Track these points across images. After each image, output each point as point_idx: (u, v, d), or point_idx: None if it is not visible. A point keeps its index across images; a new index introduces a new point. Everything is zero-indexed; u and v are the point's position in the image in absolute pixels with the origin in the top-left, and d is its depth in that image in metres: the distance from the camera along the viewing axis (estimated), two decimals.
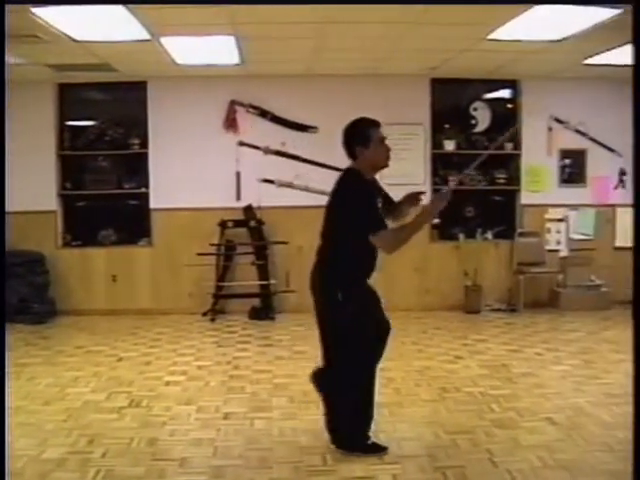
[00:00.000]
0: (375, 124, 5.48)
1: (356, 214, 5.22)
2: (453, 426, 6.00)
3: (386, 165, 5.58)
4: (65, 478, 4.97)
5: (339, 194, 5.40)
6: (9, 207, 10.61)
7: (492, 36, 8.44)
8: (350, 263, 5.34)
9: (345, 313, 5.25)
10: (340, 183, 5.43)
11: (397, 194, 11.18)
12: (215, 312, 10.97)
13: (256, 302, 11.05)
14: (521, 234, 11.64)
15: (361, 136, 5.41)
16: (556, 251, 11.70)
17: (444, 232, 11.75)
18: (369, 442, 5.42)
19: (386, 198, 5.74)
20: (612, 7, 7.00)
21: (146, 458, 5.33)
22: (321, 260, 5.43)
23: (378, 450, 5.38)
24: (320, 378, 5.61)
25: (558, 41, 8.63)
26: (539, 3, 7.00)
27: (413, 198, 5.88)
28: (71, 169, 11.58)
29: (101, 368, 8.11)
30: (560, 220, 11.69)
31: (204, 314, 10.98)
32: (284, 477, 5.00)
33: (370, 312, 5.48)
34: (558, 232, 11.72)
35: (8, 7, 4.85)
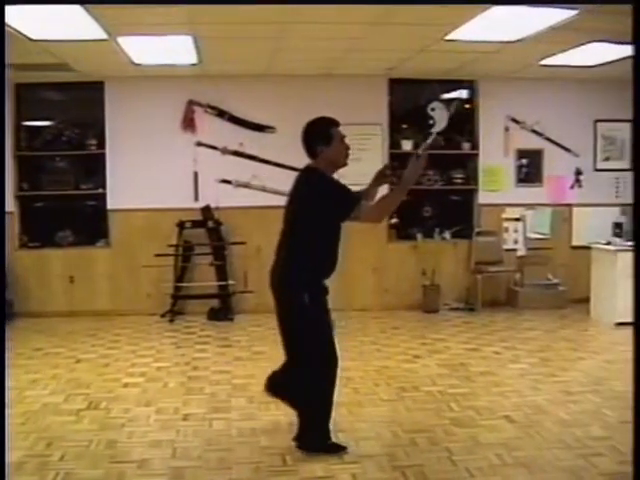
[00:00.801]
0: (335, 123, 5.58)
1: (332, 204, 5.36)
2: (412, 425, 6.04)
3: (345, 164, 5.62)
4: None
5: (305, 193, 5.43)
6: None
7: (450, 37, 8.49)
8: (315, 263, 5.38)
9: (310, 315, 5.30)
10: (305, 182, 5.48)
11: None
12: (174, 313, 10.93)
13: (215, 303, 11.03)
14: (479, 233, 11.72)
15: (322, 135, 5.48)
16: (514, 250, 11.79)
17: (402, 232, 11.79)
18: (330, 442, 5.45)
19: None
20: (568, 8, 7.06)
21: (105, 460, 5.30)
22: (284, 260, 5.43)
23: (339, 450, 5.40)
24: (275, 384, 5.72)
25: (515, 42, 8.70)
26: (508, 4, 7.06)
27: (381, 175, 6.08)
28: (28, 170, 11.47)
29: (59, 370, 8.05)
30: (517, 219, 11.79)
31: (163, 315, 10.94)
32: (244, 478, 5.00)
33: (329, 313, 5.48)
34: (515, 231, 11.81)
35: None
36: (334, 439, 5.49)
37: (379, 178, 5.98)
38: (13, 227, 11.27)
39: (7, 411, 4.62)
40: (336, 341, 5.45)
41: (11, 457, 5.31)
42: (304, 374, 5.40)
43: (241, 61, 10.13)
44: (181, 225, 10.84)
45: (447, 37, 8.52)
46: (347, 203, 5.39)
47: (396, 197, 5.65)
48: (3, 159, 10.13)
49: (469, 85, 11.87)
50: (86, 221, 11.79)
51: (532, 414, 6.29)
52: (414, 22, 7.87)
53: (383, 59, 10.06)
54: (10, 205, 11.17)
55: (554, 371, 7.79)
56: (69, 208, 11.75)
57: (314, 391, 5.42)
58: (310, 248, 5.35)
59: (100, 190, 11.35)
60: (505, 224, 11.81)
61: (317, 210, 5.32)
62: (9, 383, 7.43)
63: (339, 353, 5.46)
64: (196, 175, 11.07)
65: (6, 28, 7.66)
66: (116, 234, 11.33)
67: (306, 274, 5.35)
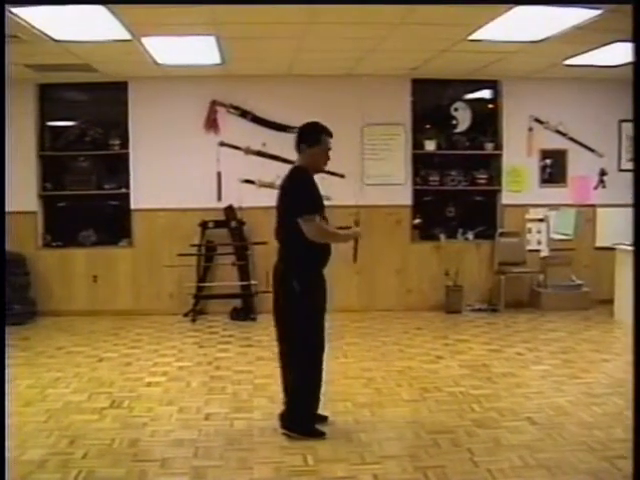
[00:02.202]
0: (328, 133, 5.91)
1: (288, 200, 5.65)
2: (434, 426, 6.01)
3: (322, 170, 5.93)
4: (46, 479, 4.95)
5: (286, 188, 5.75)
6: None
7: (473, 37, 8.46)
8: (301, 253, 5.61)
9: (298, 301, 5.58)
10: (287, 178, 5.80)
11: (378, 194, 11.24)
12: (196, 313, 10.96)
13: (237, 303, 11.04)
14: (502, 234, 11.67)
15: (312, 136, 5.83)
16: (537, 251, 11.73)
17: (425, 232, 11.76)
18: (312, 427, 5.69)
19: None
20: (593, 8, 7.03)
21: (127, 459, 5.32)
22: (278, 251, 5.82)
23: (318, 435, 5.64)
24: None
25: (538, 42, 8.66)
26: (526, 4, 7.03)
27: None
28: (51, 170, 11.54)
29: (82, 369, 8.08)
30: (540, 220, 11.73)
31: (185, 315, 10.97)
32: (265, 477, 4.99)
33: (320, 302, 5.74)
34: (539, 232, 11.75)
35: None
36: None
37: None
38: (37, 226, 11.34)
39: (7, 411, 4.62)
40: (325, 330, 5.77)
41: (33, 455, 5.38)
42: (291, 359, 5.74)
43: (264, 61, 10.14)
44: (204, 225, 10.85)
45: (471, 37, 8.49)
46: (298, 207, 5.58)
47: (340, 238, 5.93)
48: (3, 159, 10.18)
49: (492, 85, 11.82)
50: (109, 221, 11.84)
51: (554, 416, 6.25)
52: (437, 22, 7.85)
53: (406, 59, 10.03)
54: (34, 205, 11.25)
55: (577, 373, 7.75)
56: (92, 208, 11.80)
57: (299, 376, 5.70)
58: (295, 239, 5.58)
59: (123, 190, 11.39)
60: (528, 225, 11.75)
61: None
62: (28, 382, 7.52)
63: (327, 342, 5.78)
64: (219, 175, 11.08)
65: (31, 30, 7.72)
66: (139, 234, 11.36)
67: (294, 263, 5.66)
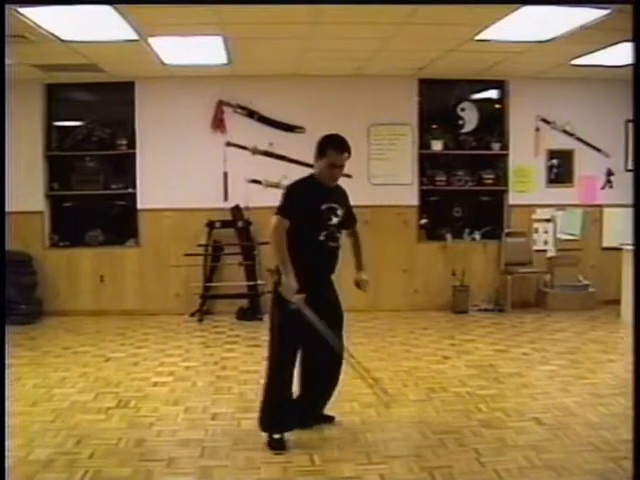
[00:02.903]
0: (337, 148, 5.66)
1: (281, 200, 5.66)
2: (440, 426, 6.01)
3: (327, 184, 5.75)
4: (52, 479, 4.97)
5: None
6: None
7: (480, 37, 8.46)
8: (296, 262, 5.54)
9: (279, 309, 5.63)
10: None
11: (384, 195, 11.23)
12: (203, 313, 10.97)
13: (244, 303, 11.04)
14: (509, 234, 11.66)
15: (320, 149, 5.71)
16: (543, 251, 11.72)
17: (431, 232, 11.75)
18: (274, 436, 5.59)
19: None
20: (600, 8, 7.02)
21: (134, 459, 5.33)
22: None
23: (276, 446, 5.52)
24: None
25: (545, 42, 8.65)
26: (532, 4, 7.02)
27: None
28: (58, 170, 11.56)
29: (88, 369, 8.09)
30: (547, 220, 11.71)
31: (192, 315, 10.98)
32: (272, 477, 5.00)
33: (299, 318, 5.51)
34: (545, 232, 11.74)
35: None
36: (363, 439, 5.56)
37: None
38: (44, 226, 11.36)
39: (7, 411, 4.62)
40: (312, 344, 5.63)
41: (40, 454, 5.39)
42: (268, 363, 5.72)
43: (270, 61, 10.14)
44: (211, 225, 10.86)
45: (477, 37, 8.49)
46: (278, 206, 5.63)
47: (280, 262, 5.70)
48: (3, 159, 10.18)
49: (499, 85, 11.80)
50: (116, 221, 11.84)
51: (561, 416, 6.25)
52: (444, 22, 7.85)
53: (413, 59, 10.03)
54: (41, 205, 11.28)
55: (583, 373, 7.73)
56: (99, 208, 11.82)
57: (268, 380, 5.68)
58: (294, 248, 5.56)
59: (130, 190, 11.41)
60: (535, 225, 11.74)
61: None
62: (35, 381, 7.53)
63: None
64: (226, 175, 11.08)
65: (38, 30, 7.74)
66: (146, 234, 11.37)
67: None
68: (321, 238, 5.59)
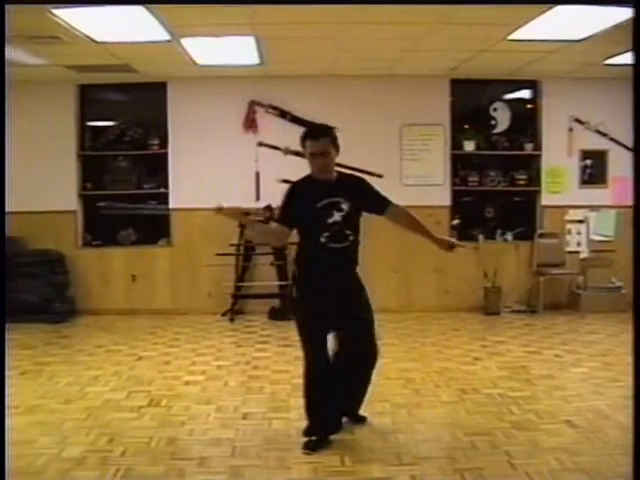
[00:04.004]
0: (312, 136, 5.72)
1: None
2: (472, 427, 5.98)
3: (319, 177, 5.69)
4: (85, 476, 4.99)
5: None
6: (31, 207, 10.75)
7: (512, 36, 8.41)
8: (300, 261, 5.60)
9: (296, 308, 5.68)
10: None
11: (416, 195, 11.20)
12: (234, 312, 10.99)
13: (275, 302, 11.06)
14: (541, 235, 11.59)
15: (301, 143, 5.79)
16: (576, 253, 11.64)
17: (464, 233, 11.69)
18: (310, 437, 5.57)
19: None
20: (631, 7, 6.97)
21: (165, 457, 5.35)
22: None
23: (308, 447, 5.50)
24: None
25: (579, 41, 8.60)
26: (555, 3, 6.98)
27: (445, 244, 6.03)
28: (91, 169, 11.64)
29: (120, 367, 8.15)
30: (580, 221, 11.63)
31: (223, 314, 11.01)
32: (302, 478, 5.01)
33: (313, 313, 5.55)
34: (578, 233, 11.66)
35: (9, 7, 4.84)
36: (393, 440, 5.56)
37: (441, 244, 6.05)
38: (77, 226, 11.44)
39: (7, 411, 4.64)
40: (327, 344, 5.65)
41: (73, 452, 5.42)
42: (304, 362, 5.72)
43: (303, 61, 10.15)
44: (242, 225, 10.87)
45: (510, 37, 8.45)
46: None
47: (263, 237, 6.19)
48: (3, 159, 10.25)
49: (532, 85, 11.74)
50: (148, 220, 11.90)
51: (593, 419, 6.19)
52: (476, 22, 7.82)
53: (445, 59, 10.00)
54: (74, 204, 11.35)
55: (616, 375, 7.66)
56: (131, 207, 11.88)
57: (304, 382, 5.70)
58: (299, 247, 5.64)
59: (162, 189, 11.47)
60: (568, 226, 11.67)
61: None
62: (68, 379, 7.58)
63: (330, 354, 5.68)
64: (258, 175, 11.10)
65: (72, 31, 7.79)
66: (177, 233, 11.42)
67: (296, 269, 5.63)
68: (322, 240, 5.44)
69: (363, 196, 5.70)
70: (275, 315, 10.89)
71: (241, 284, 11.12)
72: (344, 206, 5.51)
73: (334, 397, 5.62)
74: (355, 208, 5.59)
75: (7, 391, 4.78)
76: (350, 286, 5.68)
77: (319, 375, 5.61)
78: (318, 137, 5.61)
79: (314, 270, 5.55)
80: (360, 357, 5.71)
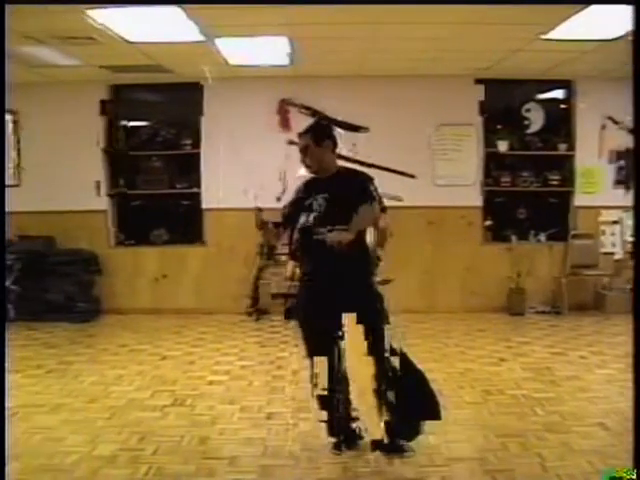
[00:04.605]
0: (299, 135, 5.80)
1: None
2: (502, 429, 5.95)
3: (311, 173, 5.76)
4: (116, 474, 5.03)
5: None
6: (64, 206, 10.83)
7: (546, 36, 8.36)
8: (300, 259, 5.64)
9: (297, 302, 5.72)
10: None
11: (449, 196, 11.14)
12: (260, 312, 11.01)
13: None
14: (575, 236, 11.51)
15: None
16: (611, 254, 11.54)
17: (496, 234, 11.64)
18: (332, 438, 5.49)
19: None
20: None
21: (196, 456, 5.37)
22: None
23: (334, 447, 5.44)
24: None
25: (613, 40, 8.53)
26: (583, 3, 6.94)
27: None
28: (124, 169, 11.69)
29: (145, 367, 8.20)
30: (614, 222, 11.54)
31: (249, 314, 11.02)
32: (333, 477, 5.01)
33: (306, 311, 5.50)
34: (613, 234, 11.56)
35: (11, 7, 4.87)
36: (424, 441, 5.49)
37: None
38: (109, 225, 11.51)
39: (7, 412, 4.67)
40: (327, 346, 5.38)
41: (104, 450, 5.45)
42: None
43: (335, 61, 10.14)
44: (276, 225, 10.87)
45: (544, 36, 8.39)
46: None
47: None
48: (4, 159, 10.35)
49: (565, 85, 11.66)
50: (180, 220, 11.96)
51: (624, 421, 6.13)
52: (510, 21, 7.78)
53: (478, 59, 9.96)
54: (107, 203, 11.41)
55: None
56: (164, 207, 11.95)
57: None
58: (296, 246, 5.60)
59: (195, 189, 11.51)
60: (602, 227, 11.58)
61: None
62: (93, 378, 7.63)
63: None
64: (284, 174, 11.06)
65: (106, 31, 7.83)
66: (210, 233, 11.45)
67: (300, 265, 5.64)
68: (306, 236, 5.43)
69: (350, 191, 5.39)
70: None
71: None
72: (321, 201, 5.38)
73: (341, 399, 5.43)
74: (339, 202, 5.34)
75: (7, 392, 4.81)
76: (349, 289, 5.33)
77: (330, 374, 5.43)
78: (301, 134, 5.69)
79: (307, 264, 5.55)
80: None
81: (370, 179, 5.54)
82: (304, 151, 5.59)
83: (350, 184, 5.49)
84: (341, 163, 10.64)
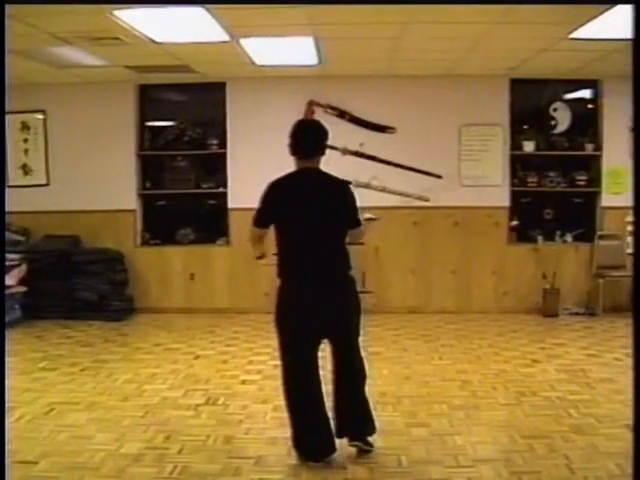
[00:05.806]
0: None
1: None
2: (530, 430, 5.92)
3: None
4: (142, 473, 5.04)
5: None
6: (91, 206, 10.89)
7: (574, 35, 8.31)
8: (279, 258, 5.69)
9: (276, 305, 5.54)
10: None
11: (475, 196, 11.10)
12: None
13: None
14: (601, 237, 11.45)
15: None
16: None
17: (522, 234, 11.60)
18: (298, 448, 5.37)
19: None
20: None
21: (222, 456, 5.38)
22: None
23: (303, 457, 5.32)
24: None
25: None
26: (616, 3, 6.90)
27: None
28: (151, 169, 11.75)
29: (178, 365, 8.22)
30: None
31: None
32: (359, 478, 5.00)
33: (286, 313, 5.52)
34: None
35: (11, 7, 4.90)
36: (451, 442, 5.52)
37: None
38: (136, 225, 11.56)
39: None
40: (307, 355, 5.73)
41: (130, 449, 5.48)
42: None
43: (361, 61, 10.14)
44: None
45: (571, 35, 8.35)
46: None
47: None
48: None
49: (593, 85, 11.59)
50: (206, 219, 11.99)
51: None
52: (537, 21, 7.74)
53: (505, 59, 9.92)
54: (133, 203, 11.47)
55: None
56: (190, 207, 11.98)
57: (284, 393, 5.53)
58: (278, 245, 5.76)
59: (221, 189, 11.54)
60: (629, 227, 11.50)
61: None
62: (126, 377, 7.65)
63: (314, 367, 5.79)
64: None
65: (132, 32, 7.87)
66: (236, 233, 11.45)
67: (279, 267, 5.67)
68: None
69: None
70: None
71: None
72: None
73: (317, 417, 5.45)
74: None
75: (7, 392, 4.82)
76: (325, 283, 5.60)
77: (296, 388, 5.64)
78: None
79: (286, 269, 5.67)
80: (347, 370, 5.87)
81: (349, 183, 6.09)
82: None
83: (331, 187, 5.97)
84: (367, 163, 10.72)
